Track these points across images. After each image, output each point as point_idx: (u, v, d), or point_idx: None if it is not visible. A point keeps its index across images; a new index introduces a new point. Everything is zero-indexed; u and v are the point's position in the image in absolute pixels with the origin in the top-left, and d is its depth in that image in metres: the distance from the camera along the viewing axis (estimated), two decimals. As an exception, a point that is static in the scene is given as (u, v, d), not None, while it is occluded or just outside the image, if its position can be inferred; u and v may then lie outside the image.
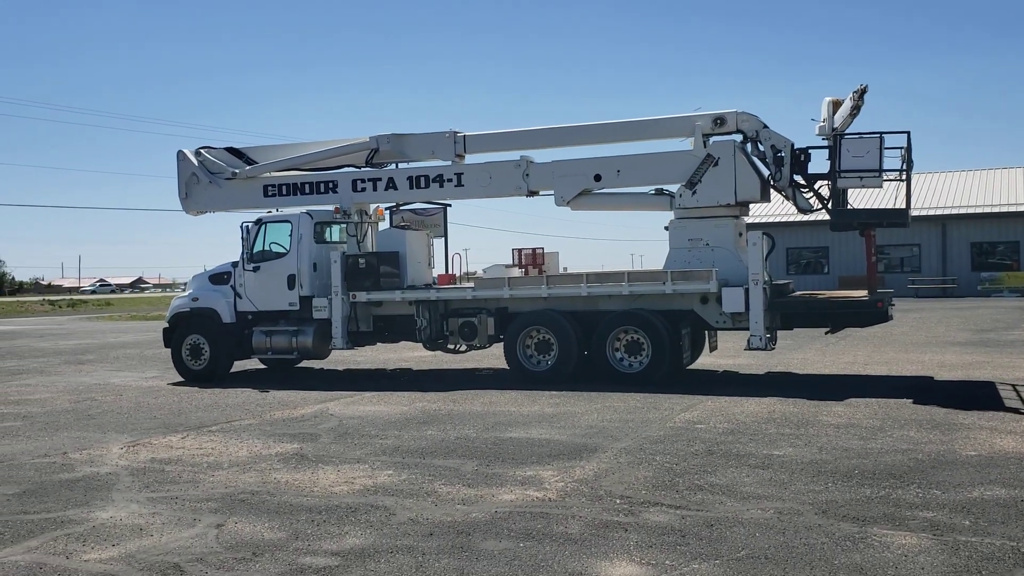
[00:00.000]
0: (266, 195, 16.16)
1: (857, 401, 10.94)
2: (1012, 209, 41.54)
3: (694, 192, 13.36)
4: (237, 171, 16.23)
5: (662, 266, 13.61)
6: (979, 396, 11.25)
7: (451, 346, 15.17)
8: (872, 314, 12.72)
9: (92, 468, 8.41)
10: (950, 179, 47.06)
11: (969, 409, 10.21)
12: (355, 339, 15.19)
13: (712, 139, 13.49)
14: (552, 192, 14.40)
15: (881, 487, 6.90)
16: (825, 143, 12.96)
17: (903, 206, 12.73)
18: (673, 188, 13.76)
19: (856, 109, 12.51)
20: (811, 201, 13.34)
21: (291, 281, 15.07)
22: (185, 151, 16.65)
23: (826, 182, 13.08)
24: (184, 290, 16.62)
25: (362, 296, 14.77)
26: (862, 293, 13.34)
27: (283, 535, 6.10)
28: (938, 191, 45.22)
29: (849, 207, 13.42)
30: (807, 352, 17.03)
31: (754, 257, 12.62)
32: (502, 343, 14.17)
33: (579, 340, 13.45)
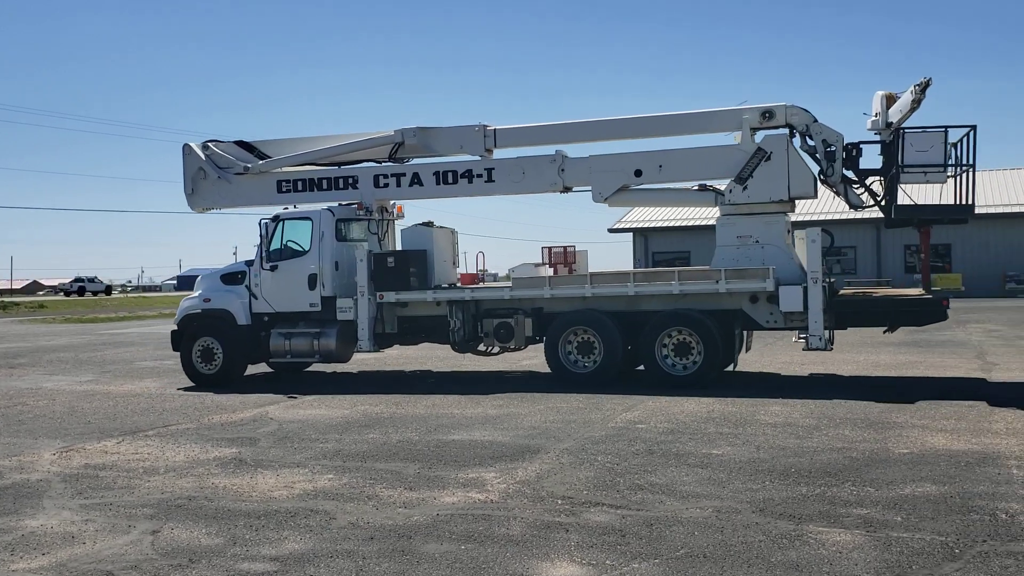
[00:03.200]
0: (280, 191, 15.46)
1: (794, 401, 11.14)
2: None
3: (745, 188, 12.90)
4: (250, 165, 15.45)
5: (711, 264, 13.17)
6: (912, 395, 11.52)
7: (484, 348, 14.60)
8: (935, 312, 12.41)
9: (22, 475, 8.19)
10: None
11: (902, 408, 10.46)
12: (379, 341, 14.55)
13: (759, 134, 13.14)
14: (588, 188, 13.97)
15: (817, 485, 7.03)
16: (877, 138, 12.72)
17: (966, 202, 12.49)
18: (718, 184, 13.45)
19: (917, 103, 12.10)
20: (862, 197, 13.01)
21: (312, 281, 14.39)
22: (191, 145, 15.85)
23: (878, 178, 12.81)
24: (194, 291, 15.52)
25: (390, 296, 14.15)
26: (916, 291, 13.16)
27: (220, 541, 6.00)
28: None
29: (909, 203, 12.95)
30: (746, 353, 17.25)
31: (813, 254, 12.28)
32: (537, 345, 13.79)
33: (624, 341, 13.08)
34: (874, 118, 12.78)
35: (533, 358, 16.16)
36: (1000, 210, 39.89)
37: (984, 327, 14.59)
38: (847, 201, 13.12)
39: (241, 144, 15.88)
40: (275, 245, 14.66)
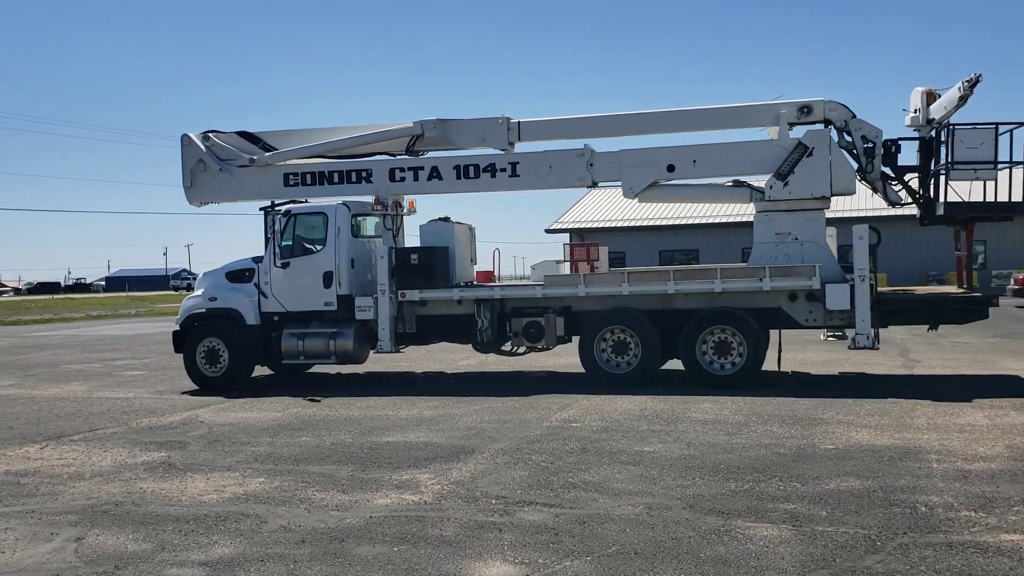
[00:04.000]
0: (287, 184, 14.77)
1: (724, 398, 11.33)
2: (849, 215, 43.57)
3: (786, 184, 12.66)
4: (255, 157, 14.71)
5: (748, 261, 13.02)
6: (837, 391, 11.80)
7: (509, 348, 14.12)
8: (980, 310, 12.39)
9: (-61, 483, 7.91)
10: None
11: (828, 404, 10.72)
12: (398, 340, 14.01)
13: (796, 129, 12.97)
14: (619, 183, 13.67)
15: (745, 481, 7.17)
16: (916, 134, 12.69)
17: (1021, 199, 12.52)
18: (752, 179, 13.25)
19: (964, 100, 11.87)
20: (900, 194, 12.90)
21: (327, 279, 13.83)
22: (191, 135, 15.08)
23: (915, 174, 12.70)
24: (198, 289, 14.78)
25: (413, 294, 13.65)
26: (959, 290, 13.21)
27: (148, 547, 5.89)
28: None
29: (958, 200, 12.67)
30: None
31: (860, 252, 12.06)
32: (568, 344, 13.53)
33: (662, 340, 12.81)
34: (913, 114, 12.72)
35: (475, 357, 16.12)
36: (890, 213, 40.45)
37: (906, 326, 14.93)
38: (885, 198, 12.99)
39: (244, 135, 15.13)
40: (286, 241, 14.04)
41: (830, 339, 13.30)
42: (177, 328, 14.50)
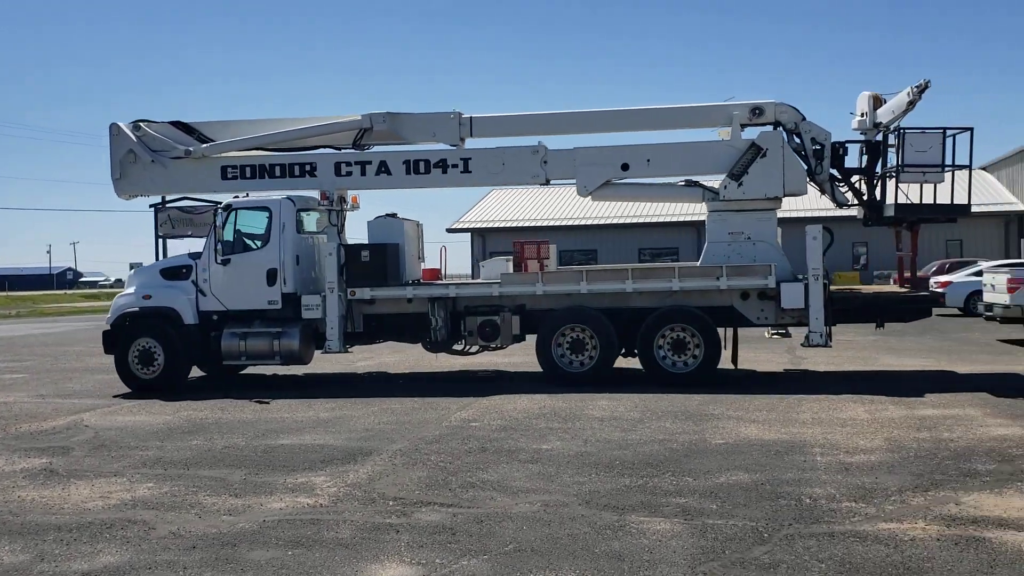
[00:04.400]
0: (224, 177, 14.10)
1: (620, 395, 11.53)
2: (796, 216, 44.82)
3: (740, 184, 12.82)
4: (191, 149, 14.00)
5: (700, 260, 13.14)
6: (729, 387, 12.13)
7: (462, 347, 13.84)
8: (924, 309, 12.91)
9: None
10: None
11: (719, 400, 11.02)
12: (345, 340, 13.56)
13: (747, 130, 13.12)
14: (572, 181, 13.56)
15: (639, 476, 7.31)
16: (862, 137, 13.00)
17: (964, 201, 12.91)
18: (704, 179, 13.38)
19: (912, 105, 12.25)
20: (847, 195, 13.16)
21: (272, 276, 13.30)
22: (120, 125, 14.28)
23: (861, 176, 13.06)
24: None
25: (364, 292, 13.28)
26: (904, 289, 13.61)
27: (26, 557, 5.64)
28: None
29: (908, 202, 13.03)
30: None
31: (813, 251, 12.35)
32: (521, 343, 13.41)
33: (619, 338, 12.82)
34: (860, 118, 13.06)
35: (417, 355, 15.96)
36: (828, 213, 42.06)
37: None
38: (832, 199, 13.28)
39: (178, 125, 14.45)
40: (227, 237, 13.46)
41: (774, 337, 13.73)
42: (108, 328, 13.84)
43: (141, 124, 14.40)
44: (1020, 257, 30.73)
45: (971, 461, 7.55)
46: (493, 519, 6.22)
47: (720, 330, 12.88)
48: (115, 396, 13.00)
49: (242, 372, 15.17)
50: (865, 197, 13.25)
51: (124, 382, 13.58)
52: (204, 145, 14.23)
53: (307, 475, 7.70)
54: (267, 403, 11.87)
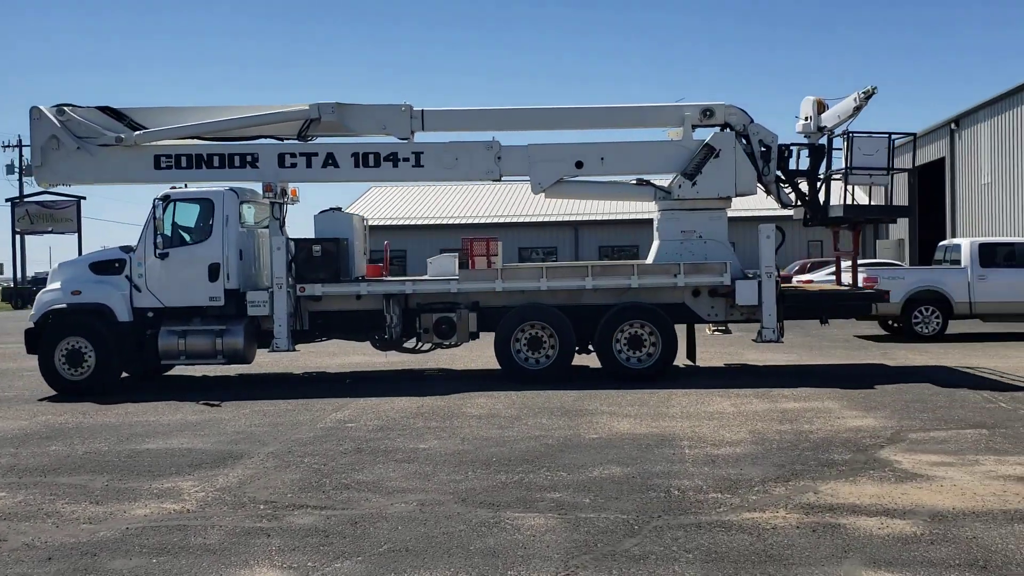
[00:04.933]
0: (158, 167, 13.31)
1: (498, 393, 11.60)
2: (633, 216, 46.24)
3: (694, 183, 13.04)
4: (122, 136, 13.16)
5: (650, 258, 13.29)
6: (603, 383, 12.37)
7: (414, 345, 13.53)
8: (865, 307, 13.69)
9: None
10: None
11: (593, 396, 11.22)
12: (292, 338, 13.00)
13: (697, 131, 13.29)
14: (526, 177, 13.52)
15: (515, 472, 7.38)
16: (807, 140, 13.36)
17: (902, 203, 13.50)
18: (655, 178, 13.52)
19: (858, 110, 12.62)
20: (791, 196, 13.48)
21: (214, 272, 12.64)
22: (42, 108, 13.32)
23: (803, 179, 13.41)
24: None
25: (314, 289, 12.81)
26: (845, 287, 13.99)
27: None
28: (572, 200, 49.27)
29: (852, 204, 13.58)
30: (459, 348, 17.71)
31: (767, 249, 12.66)
32: (476, 341, 13.18)
33: (577, 335, 12.79)
34: (804, 121, 13.42)
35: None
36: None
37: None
38: (777, 199, 13.61)
39: (106, 110, 13.55)
40: (166, 230, 12.75)
41: (715, 333, 14.06)
42: (31, 326, 12.93)
43: (66, 108, 13.42)
44: (875, 257, 32.44)
45: (829, 452, 7.93)
46: (367, 520, 6.16)
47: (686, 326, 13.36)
48: (40, 400, 12.25)
49: (166, 374, 14.49)
50: (808, 198, 13.72)
51: (49, 384, 12.74)
52: (137, 132, 13.43)
53: (174, 480, 7.44)
54: (217, 404, 11.40)
